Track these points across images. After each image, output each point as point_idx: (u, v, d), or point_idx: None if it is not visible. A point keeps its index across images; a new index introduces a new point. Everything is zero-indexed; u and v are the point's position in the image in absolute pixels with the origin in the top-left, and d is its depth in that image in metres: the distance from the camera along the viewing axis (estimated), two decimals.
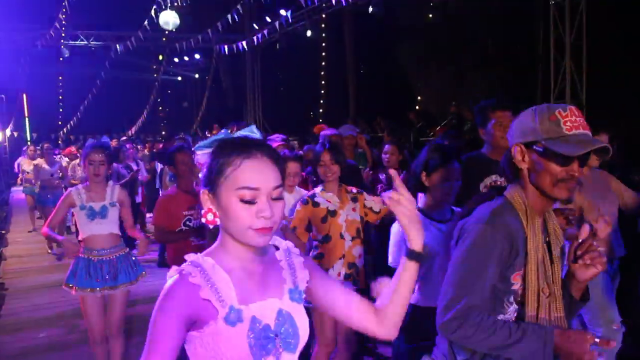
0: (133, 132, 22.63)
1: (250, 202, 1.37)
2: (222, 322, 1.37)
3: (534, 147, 1.75)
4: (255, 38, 16.79)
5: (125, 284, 4.06)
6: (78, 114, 23.01)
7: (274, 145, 5.09)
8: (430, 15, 16.20)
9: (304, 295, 1.55)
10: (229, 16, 15.43)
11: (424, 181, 2.81)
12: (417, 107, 16.45)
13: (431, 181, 2.79)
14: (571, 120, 1.71)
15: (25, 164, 10.97)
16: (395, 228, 2.93)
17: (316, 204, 3.68)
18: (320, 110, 20.63)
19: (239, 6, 15.14)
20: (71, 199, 4.04)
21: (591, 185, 3.56)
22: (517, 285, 1.76)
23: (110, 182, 4.20)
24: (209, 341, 1.38)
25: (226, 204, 1.38)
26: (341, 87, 19.23)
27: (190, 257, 1.44)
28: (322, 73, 19.84)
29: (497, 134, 3.11)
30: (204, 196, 1.44)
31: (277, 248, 1.59)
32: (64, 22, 17.91)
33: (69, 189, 4.20)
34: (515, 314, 1.80)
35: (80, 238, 4.10)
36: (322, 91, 20.62)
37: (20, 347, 5.22)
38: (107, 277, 3.99)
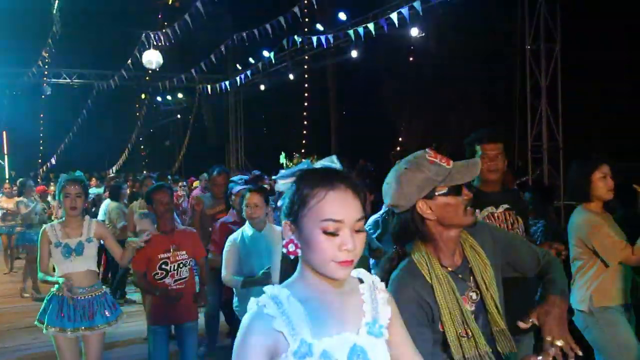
0: (113, 171, 22.50)
1: (334, 234, 1.36)
2: (292, 356, 1.35)
3: (436, 193, 1.86)
4: (238, 79, 16.95)
5: (102, 325, 3.89)
6: (58, 151, 22.85)
7: (236, 188, 5.08)
8: (411, 59, 16.58)
9: (384, 330, 1.49)
10: (212, 56, 15.58)
11: None
12: (398, 148, 16.61)
13: None
14: (441, 158, 1.89)
15: (3, 202, 10.78)
16: None
17: None
18: (303, 151, 20.72)
19: (222, 47, 15.31)
20: (46, 236, 3.90)
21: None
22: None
23: (87, 217, 4.04)
24: None
25: (308, 235, 1.37)
26: (323, 128, 19.40)
27: (267, 289, 1.43)
28: (305, 114, 20.04)
29: (485, 167, 3.13)
30: (286, 227, 1.42)
31: (361, 281, 1.55)
32: (47, 60, 17.95)
33: (44, 225, 4.06)
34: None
35: (56, 276, 3.91)
36: (304, 132, 20.77)
37: None
38: (81, 317, 3.81)
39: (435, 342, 1.84)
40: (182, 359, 4.14)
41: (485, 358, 1.83)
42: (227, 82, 17.53)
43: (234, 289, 4.25)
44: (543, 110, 9.73)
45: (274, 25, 12.67)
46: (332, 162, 1.50)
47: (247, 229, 4.11)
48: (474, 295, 1.91)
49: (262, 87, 18.44)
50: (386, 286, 1.78)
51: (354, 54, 14.13)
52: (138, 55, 16.14)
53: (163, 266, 4.03)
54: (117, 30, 19.25)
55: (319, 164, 1.49)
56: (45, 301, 3.90)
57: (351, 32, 11.83)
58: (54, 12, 16.19)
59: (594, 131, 11.16)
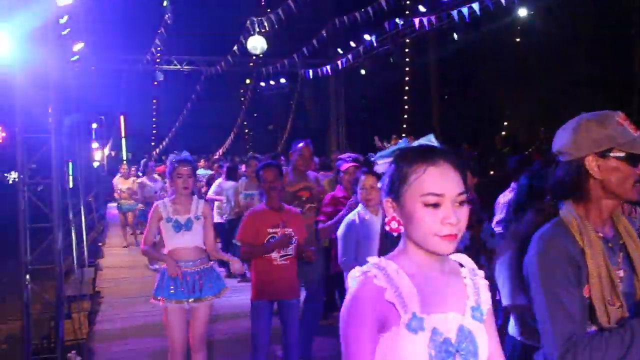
0: (220, 154, 23.42)
1: (435, 207, 1.38)
2: (404, 328, 1.36)
3: (611, 154, 1.74)
4: (339, 62, 17.03)
5: (210, 297, 4.08)
6: (170, 134, 24.09)
7: (345, 165, 5.12)
8: (517, 39, 15.91)
9: (485, 317, 1.50)
10: (314, 41, 15.74)
11: None
12: (503, 133, 16.06)
13: None
14: (630, 124, 1.75)
15: (119, 183, 11.54)
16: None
17: None
18: (403, 135, 20.50)
19: (323, 31, 15.43)
20: (158, 212, 4.10)
21: None
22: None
23: (195, 196, 4.24)
24: (388, 345, 1.38)
25: (410, 210, 1.40)
26: (425, 112, 19.11)
27: (373, 259, 1.46)
28: (405, 97, 19.81)
29: None
30: (387, 204, 1.46)
31: (461, 265, 1.56)
32: (159, 48, 18.91)
33: (155, 202, 4.26)
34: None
35: (165, 251, 4.15)
36: (405, 116, 20.53)
37: (112, 353, 5.51)
38: (192, 289, 4.02)
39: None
40: (284, 335, 4.21)
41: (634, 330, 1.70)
42: (328, 67, 17.66)
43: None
44: None
45: (375, 8, 12.59)
46: (429, 141, 1.51)
47: (362, 212, 4.04)
48: (621, 273, 1.80)
49: (363, 72, 18.39)
50: (527, 241, 1.82)
51: (458, 33, 13.77)
52: (243, 41, 16.62)
53: (270, 240, 4.12)
54: (223, 17, 19.91)
55: (416, 143, 1.50)
56: (158, 278, 4.12)
57: (455, 12, 11.52)
58: (165, 2, 17.07)
59: None
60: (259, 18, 16.11)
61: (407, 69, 19.09)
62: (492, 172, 9.22)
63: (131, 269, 9.53)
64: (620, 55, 11.73)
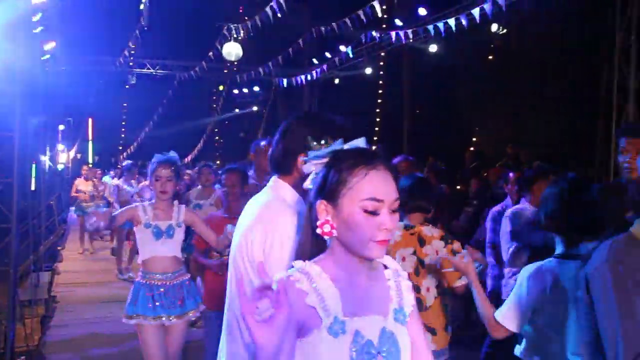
0: (189, 160, 23.17)
1: (374, 214, 1.36)
2: (326, 331, 1.35)
3: None
4: (314, 72, 17.05)
5: (192, 311, 3.80)
6: (139, 139, 23.75)
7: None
8: (490, 57, 16.16)
9: (407, 319, 1.50)
10: (290, 50, 15.73)
11: None
12: (471, 148, 16.25)
13: None
14: None
15: (80, 183, 11.24)
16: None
17: None
18: (373, 148, 20.53)
19: (300, 41, 15.44)
20: (136, 213, 3.77)
21: None
22: None
23: (176, 202, 3.92)
24: (310, 350, 1.36)
25: (348, 215, 1.37)
26: (396, 124, 19.21)
27: (298, 263, 1.43)
28: (378, 110, 19.89)
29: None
30: (321, 207, 1.42)
31: (386, 267, 1.55)
32: (132, 51, 18.68)
33: (135, 204, 3.95)
34: None
35: (140, 260, 3.83)
36: (377, 128, 20.63)
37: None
38: (173, 304, 3.72)
39: None
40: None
41: None
42: (302, 76, 17.67)
43: None
44: (630, 113, 9.23)
45: (353, 20, 12.63)
46: (362, 144, 1.49)
47: None
48: None
49: (337, 82, 18.45)
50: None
51: (433, 48, 13.90)
52: (219, 47, 16.53)
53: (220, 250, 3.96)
54: (199, 22, 19.80)
55: (348, 146, 1.47)
56: (131, 292, 3.78)
57: (431, 27, 11.64)
58: (142, 5, 16.86)
59: None
60: (236, 25, 16.05)
61: (380, 82, 19.20)
62: (458, 187, 9.33)
63: (90, 273, 9.31)
64: (587, 76, 11.99)
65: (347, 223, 1.37)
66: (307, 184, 1.50)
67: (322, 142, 1.59)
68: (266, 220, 1.79)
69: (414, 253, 3.26)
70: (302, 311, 1.35)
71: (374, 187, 1.36)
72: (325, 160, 1.46)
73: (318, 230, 1.41)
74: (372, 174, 1.37)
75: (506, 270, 4.47)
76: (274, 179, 1.93)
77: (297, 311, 1.34)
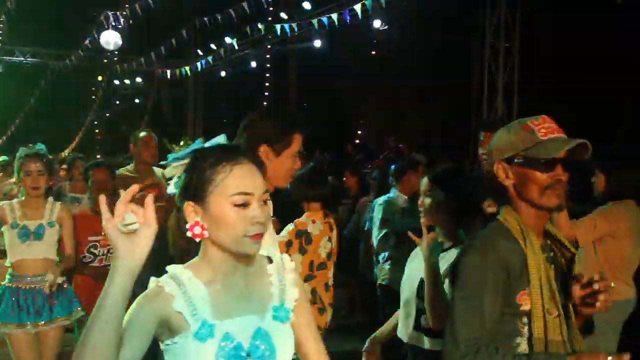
0: (66, 154, 21.93)
1: (244, 207, 1.34)
2: (192, 336, 1.33)
3: (515, 160, 1.74)
4: (198, 64, 16.71)
5: (62, 317, 3.52)
6: (8, 132, 22.11)
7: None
8: (373, 52, 16.67)
9: (290, 314, 1.46)
10: (173, 40, 15.32)
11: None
12: (357, 141, 16.71)
13: None
14: (544, 127, 1.72)
15: None
16: None
17: None
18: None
19: (183, 31, 15.06)
20: (2, 213, 3.49)
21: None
22: (527, 306, 1.70)
23: (50, 198, 3.65)
24: (179, 353, 1.35)
25: (218, 212, 1.34)
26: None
27: (169, 268, 1.40)
28: (265, 103, 19.89)
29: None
30: (189, 209, 1.38)
31: (270, 261, 1.52)
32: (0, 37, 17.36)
33: (1, 202, 3.62)
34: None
35: (8, 263, 3.53)
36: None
37: None
38: (41, 310, 3.43)
39: (513, 316, 1.71)
40: None
41: (566, 344, 1.69)
42: (187, 68, 17.27)
43: None
44: (499, 108, 9.92)
45: (237, 11, 12.51)
46: (223, 141, 1.49)
47: None
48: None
49: (223, 74, 18.21)
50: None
51: (317, 43, 14.09)
52: (96, 36, 15.72)
53: (92, 249, 3.82)
54: (75, 8, 18.75)
55: (209, 144, 1.47)
56: None
57: (315, 21, 11.79)
58: None
59: None
60: (114, 12, 15.35)
61: (267, 74, 19.20)
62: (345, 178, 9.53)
63: None
64: (462, 72, 12.71)
65: (217, 221, 1.35)
66: (171, 188, 1.46)
67: (182, 143, 1.56)
68: None
69: (329, 240, 3.49)
70: (170, 315, 1.34)
71: (240, 181, 1.35)
72: (186, 161, 1.43)
73: (189, 234, 1.38)
74: (237, 169, 1.36)
75: (380, 256, 4.65)
76: None
77: (163, 313, 1.33)
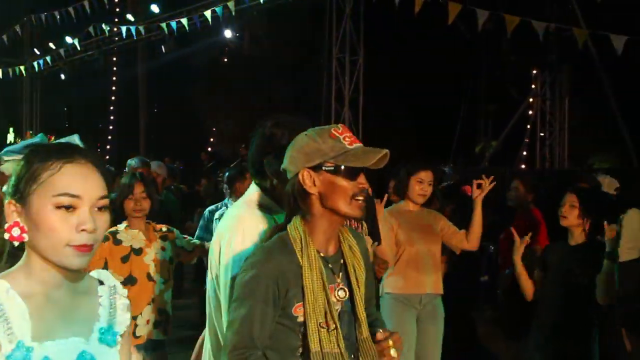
0: None
1: (69, 210, 1.18)
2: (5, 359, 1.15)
3: (323, 167, 1.71)
4: (35, 64, 15.53)
5: None
6: None
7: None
8: (225, 60, 16.60)
9: (118, 338, 1.32)
10: (4, 37, 14.11)
11: None
12: (209, 149, 16.51)
13: None
14: (348, 136, 1.74)
15: None
16: None
17: (118, 242, 3.26)
18: (108, 147, 19.63)
19: (17, 28, 13.93)
20: None
21: (414, 221, 3.78)
22: (302, 318, 1.71)
23: None
24: None
25: (39, 214, 1.18)
26: (132, 125, 18.55)
27: None
28: (112, 108, 18.98)
29: None
30: (10, 207, 1.20)
31: (102, 283, 1.36)
32: None
33: None
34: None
35: None
36: (111, 127, 19.65)
37: None
38: None
39: (289, 329, 1.71)
40: None
41: (344, 357, 1.71)
42: (22, 67, 15.97)
43: None
44: (346, 118, 10.35)
45: (77, 10, 11.82)
46: (73, 141, 1.37)
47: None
48: (341, 293, 1.77)
49: (63, 77, 17.02)
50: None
51: (168, 47, 13.72)
52: None
53: None
54: None
55: (57, 142, 1.35)
56: None
57: (164, 25, 11.49)
58: None
59: (393, 138, 12.24)
60: None
61: (114, 78, 18.33)
62: (198, 186, 9.49)
63: None
64: (312, 84, 13.06)
65: (37, 224, 1.19)
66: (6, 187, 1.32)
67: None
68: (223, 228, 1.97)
69: None
70: None
71: (69, 181, 1.20)
72: (19, 156, 1.28)
73: (6, 235, 1.22)
74: (68, 167, 1.21)
75: None
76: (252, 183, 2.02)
77: None
